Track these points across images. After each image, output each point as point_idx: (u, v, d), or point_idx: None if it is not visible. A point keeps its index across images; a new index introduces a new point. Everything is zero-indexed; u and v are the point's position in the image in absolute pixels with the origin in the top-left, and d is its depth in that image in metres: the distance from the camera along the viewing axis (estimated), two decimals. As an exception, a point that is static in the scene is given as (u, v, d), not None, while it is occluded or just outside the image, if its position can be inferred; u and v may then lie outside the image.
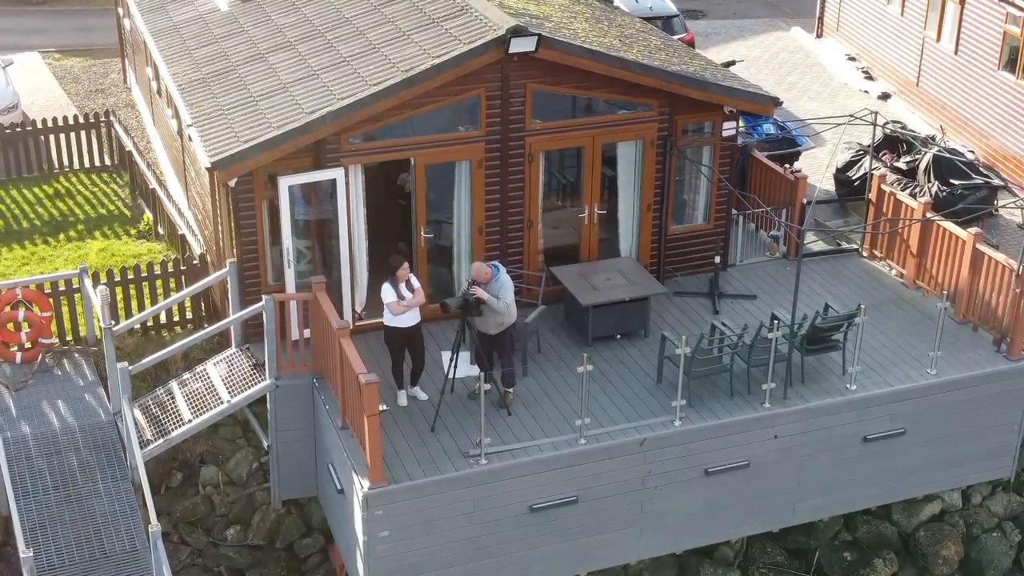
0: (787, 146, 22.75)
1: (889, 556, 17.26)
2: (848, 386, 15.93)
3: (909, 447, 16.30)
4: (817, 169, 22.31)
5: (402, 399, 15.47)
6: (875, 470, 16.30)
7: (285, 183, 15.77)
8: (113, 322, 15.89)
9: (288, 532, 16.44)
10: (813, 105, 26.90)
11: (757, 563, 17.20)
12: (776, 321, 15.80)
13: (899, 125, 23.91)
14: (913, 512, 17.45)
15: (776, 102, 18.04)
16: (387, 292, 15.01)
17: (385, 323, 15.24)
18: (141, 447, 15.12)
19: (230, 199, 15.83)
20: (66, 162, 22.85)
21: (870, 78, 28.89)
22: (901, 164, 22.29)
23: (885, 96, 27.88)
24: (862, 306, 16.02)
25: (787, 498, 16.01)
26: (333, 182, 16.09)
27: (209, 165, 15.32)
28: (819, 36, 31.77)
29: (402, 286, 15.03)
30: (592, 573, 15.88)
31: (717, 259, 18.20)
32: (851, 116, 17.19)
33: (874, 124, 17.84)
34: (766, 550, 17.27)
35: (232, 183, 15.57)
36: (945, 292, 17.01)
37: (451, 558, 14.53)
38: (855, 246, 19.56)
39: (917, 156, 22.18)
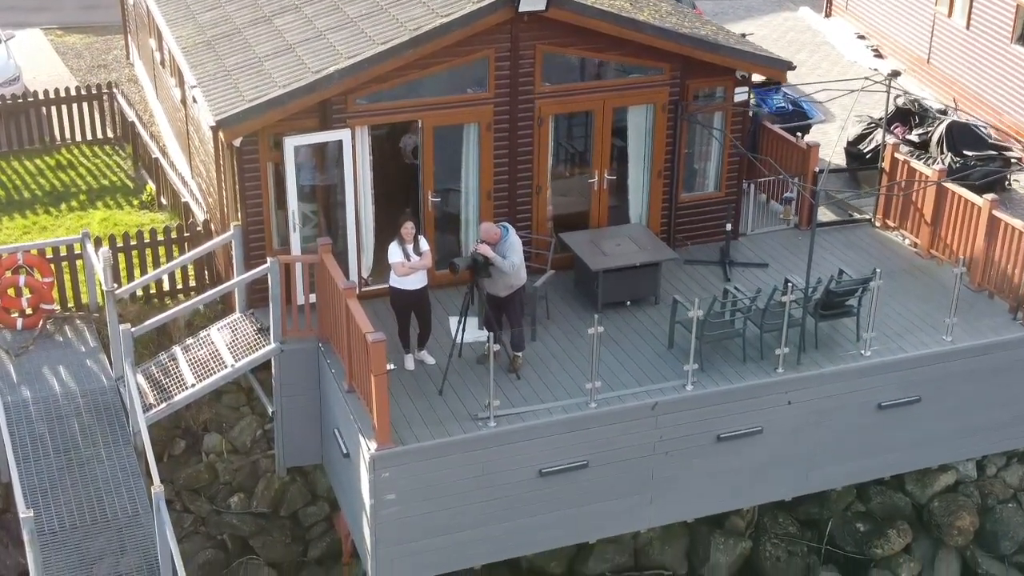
0: (797, 119, 22.49)
1: (903, 527, 17.02)
2: (863, 352, 15.66)
3: (924, 415, 16.03)
4: (827, 144, 22.02)
5: (409, 363, 15.22)
6: (889, 438, 16.01)
7: (291, 143, 15.51)
8: (116, 285, 15.65)
9: (293, 500, 16.20)
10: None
11: (769, 533, 16.95)
12: (790, 284, 15.54)
13: (912, 98, 23.64)
14: (927, 483, 17.21)
15: (790, 66, 17.77)
16: (394, 252, 14.75)
17: (391, 284, 14.99)
18: (144, 412, 14.87)
19: (235, 160, 15.56)
20: (68, 134, 22.54)
21: (879, 56, 28.60)
22: (913, 136, 22.04)
23: (895, 74, 27.51)
24: (877, 270, 15.74)
25: (800, 466, 15.73)
26: (339, 144, 15.83)
27: (214, 123, 15.06)
28: (828, 15, 31.47)
29: (410, 247, 14.77)
30: (601, 541, 15.63)
31: (728, 227, 17.92)
32: (866, 79, 16.90)
33: (888, 88, 17.55)
34: (778, 520, 17.03)
35: (237, 143, 15.30)
36: (961, 258, 16.74)
37: (458, 522, 14.27)
38: (867, 216, 19.30)
39: (930, 128, 21.92)
